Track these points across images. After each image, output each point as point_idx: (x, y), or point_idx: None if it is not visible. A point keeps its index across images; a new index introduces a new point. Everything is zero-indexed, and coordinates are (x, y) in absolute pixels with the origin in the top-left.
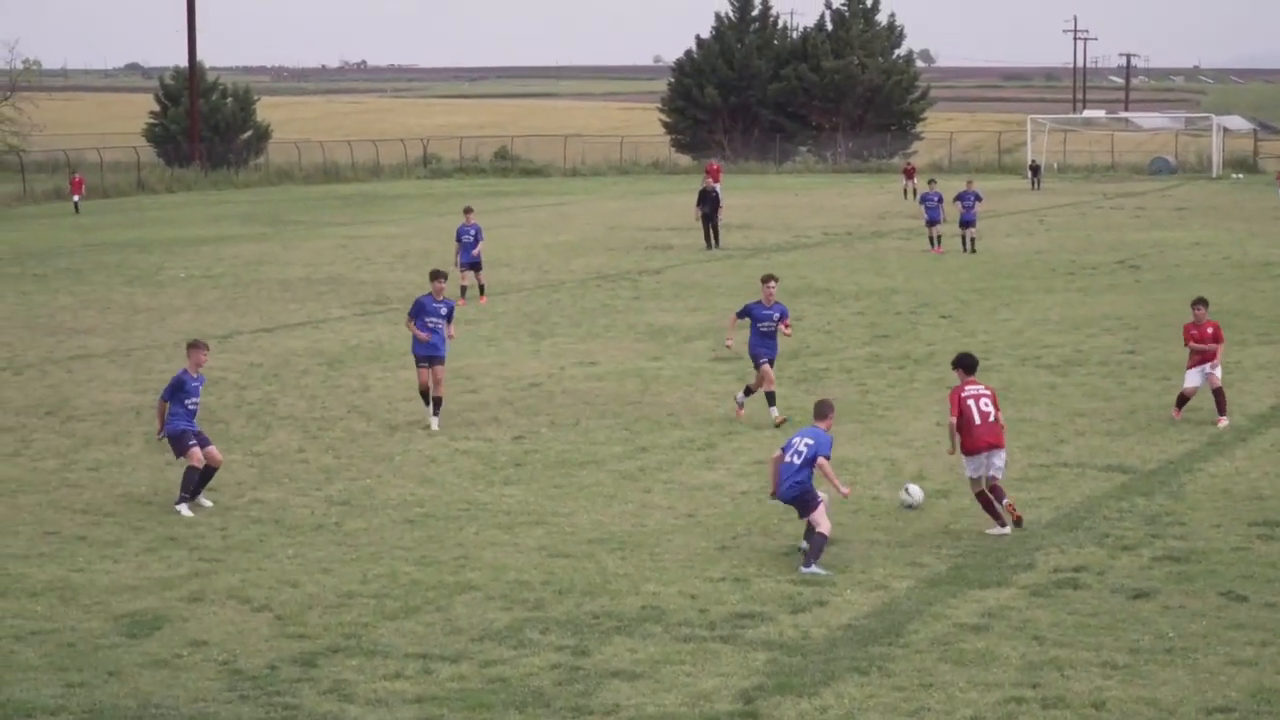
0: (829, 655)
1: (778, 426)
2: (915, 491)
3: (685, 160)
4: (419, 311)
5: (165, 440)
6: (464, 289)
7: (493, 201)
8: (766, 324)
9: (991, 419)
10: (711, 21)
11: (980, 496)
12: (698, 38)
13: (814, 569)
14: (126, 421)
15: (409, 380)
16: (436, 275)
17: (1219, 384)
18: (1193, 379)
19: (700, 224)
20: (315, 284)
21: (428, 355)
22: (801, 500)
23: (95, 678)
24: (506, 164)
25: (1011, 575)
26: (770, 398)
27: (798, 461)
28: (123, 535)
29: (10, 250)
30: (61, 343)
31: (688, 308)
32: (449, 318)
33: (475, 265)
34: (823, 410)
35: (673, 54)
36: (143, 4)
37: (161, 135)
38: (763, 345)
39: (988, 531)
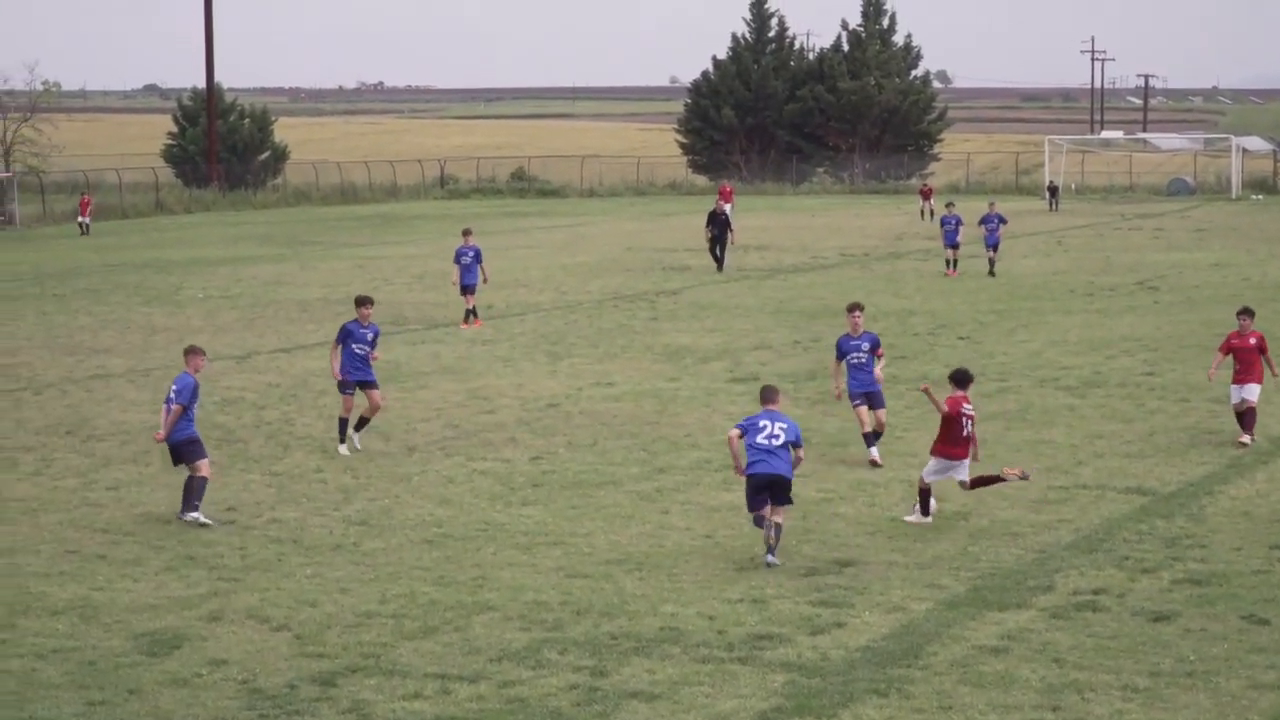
0: (848, 677)
1: (873, 466)
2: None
3: (702, 181)
4: (345, 338)
5: (166, 445)
6: (467, 312)
7: (510, 222)
8: (856, 355)
9: (966, 434)
10: (728, 42)
11: (925, 491)
12: (714, 59)
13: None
14: (146, 441)
15: (427, 400)
16: (362, 301)
17: (1253, 404)
18: (1235, 394)
19: (708, 245)
20: (333, 304)
21: (358, 380)
22: (785, 483)
23: (116, 696)
24: (523, 185)
25: (1031, 597)
26: (868, 438)
27: (777, 443)
28: (142, 554)
29: (30, 270)
30: (81, 362)
31: (705, 328)
32: (374, 344)
33: (471, 288)
34: (772, 395)
35: (689, 75)
36: (161, 26)
37: (179, 156)
38: (856, 380)
39: (906, 518)
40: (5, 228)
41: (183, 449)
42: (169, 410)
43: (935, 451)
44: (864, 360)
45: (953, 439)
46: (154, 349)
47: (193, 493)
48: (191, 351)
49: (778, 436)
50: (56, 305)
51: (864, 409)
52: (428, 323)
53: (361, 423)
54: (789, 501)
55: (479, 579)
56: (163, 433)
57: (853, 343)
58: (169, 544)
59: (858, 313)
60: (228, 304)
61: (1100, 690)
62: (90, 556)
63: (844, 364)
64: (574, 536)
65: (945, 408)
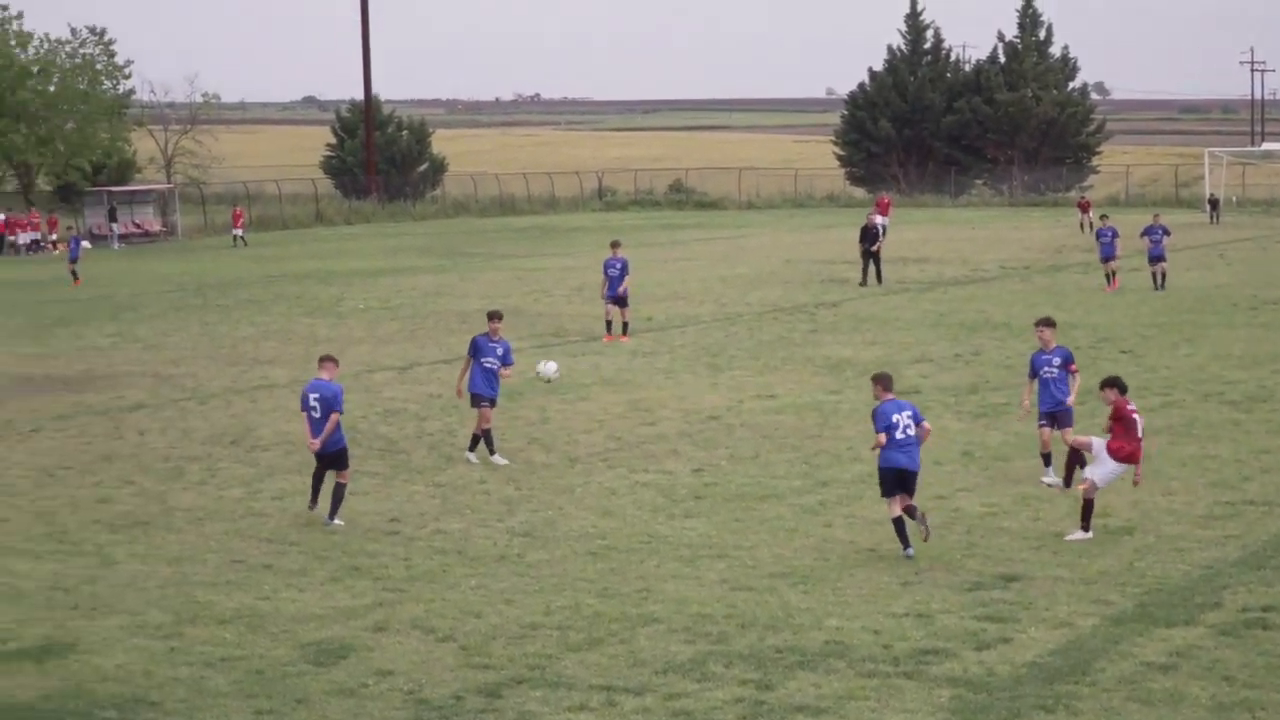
0: (1014, 693)
1: (1051, 485)
2: (548, 369)
3: (860, 193)
4: (475, 351)
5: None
6: (609, 324)
7: (668, 234)
8: (1048, 369)
9: (1140, 434)
10: (884, 54)
11: (1089, 504)
12: (870, 70)
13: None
14: (309, 451)
15: (588, 412)
16: (493, 315)
17: None
18: None
19: (860, 259)
20: None
21: (488, 396)
22: (916, 475)
23: (284, 705)
24: (681, 197)
25: (1199, 614)
26: (1046, 458)
27: (912, 433)
28: (307, 564)
29: (193, 281)
30: (244, 373)
31: (865, 341)
32: (505, 359)
33: (621, 301)
34: (890, 382)
35: (845, 86)
36: (319, 38)
37: (338, 167)
38: (1045, 398)
39: (1067, 537)
40: (168, 239)
41: (338, 457)
42: (312, 418)
43: (1118, 458)
44: (1055, 375)
45: (1133, 438)
46: (316, 359)
47: (340, 500)
48: (328, 360)
49: (910, 426)
50: (219, 316)
51: (1047, 430)
52: (587, 334)
53: (474, 441)
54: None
55: (643, 591)
56: (319, 442)
57: (1044, 358)
58: (334, 554)
59: (1044, 328)
60: (388, 315)
61: (1271, 709)
62: (256, 566)
63: (1036, 381)
64: (738, 549)
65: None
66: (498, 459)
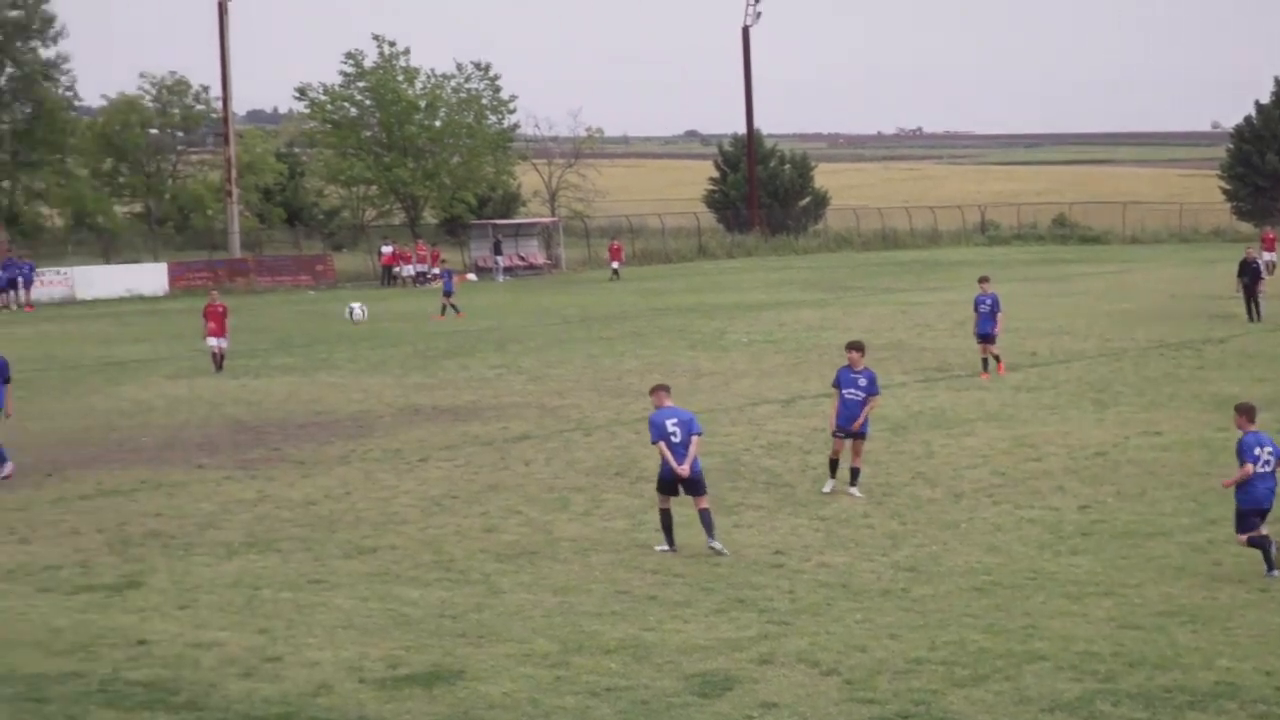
0: None
1: None
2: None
3: (1246, 227)
4: (838, 383)
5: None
6: (985, 361)
7: (1052, 269)
8: None
9: None
10: (1270, 87)
11: None
12: (1257, 103)
13: None
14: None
15: (973, 447)
16: (851, 346)
17: None
18: None
19: (1241, 296)
20: (876, 350)
21: (844, 429)
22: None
23: None
24: (1065, 231)
25: None
26: None
27: (1270, 468)
28: (692, 596)
29: (578, 313)
30: (628, 405)
31: (1253, 378)
32: (869, 389)
33: (989, 338)
34: (1253, 413)
35: (1231, 119)
36: (701, 72)
37: (721, 201)
38: None
39: None
40: (551, 271)
41: (698, 482)
42: (671, 444)
43: None
44: None
45: None
46: (699, 392)
47: (711, 521)
48: (665, 388)
49: (1270, 461)
50: (603, 348)
51: None
52: (971, 369)
53: (853, 475)
54: None
55: (1029, 628)
56: (687, 466)
57: None
58: (718, 586)
59: None
60: (772, 348)
61: None
62: (641, 597)
63: None
64: (1124, 587)
65: None
66: (831, 486)
